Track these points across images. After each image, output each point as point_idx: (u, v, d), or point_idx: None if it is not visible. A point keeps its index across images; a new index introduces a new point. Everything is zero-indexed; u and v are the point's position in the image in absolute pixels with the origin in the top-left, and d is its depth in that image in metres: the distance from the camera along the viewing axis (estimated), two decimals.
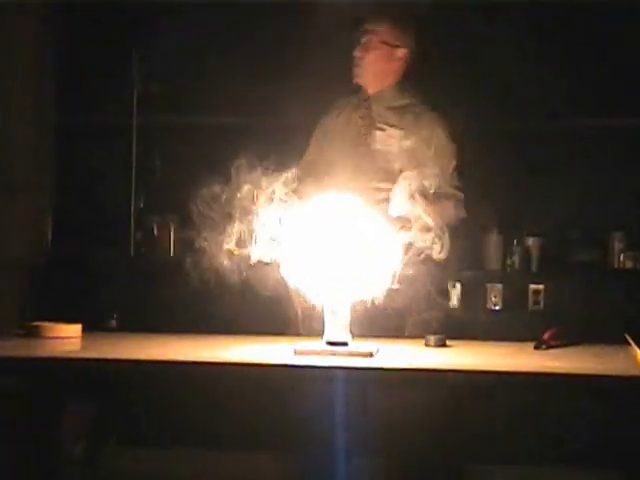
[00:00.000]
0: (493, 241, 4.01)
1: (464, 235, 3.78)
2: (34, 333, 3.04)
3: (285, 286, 2.72)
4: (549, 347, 2.95)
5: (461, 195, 3.41)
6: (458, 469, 2.94)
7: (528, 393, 2.53)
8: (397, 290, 2.67)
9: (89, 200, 4.21)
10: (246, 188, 2.69)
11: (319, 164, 3.49)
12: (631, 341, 3.00)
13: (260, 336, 3.13)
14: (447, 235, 2.72)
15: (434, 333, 2.98)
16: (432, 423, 2.74)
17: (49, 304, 3.75)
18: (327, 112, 3.59)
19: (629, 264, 4.00)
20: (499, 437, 2.75)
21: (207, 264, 2.76)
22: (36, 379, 2.65)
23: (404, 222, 2.73)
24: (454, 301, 3.81)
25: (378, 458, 2.98)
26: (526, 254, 4.03)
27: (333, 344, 2.69)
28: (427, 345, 3.00)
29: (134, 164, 4.09)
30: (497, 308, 3.79)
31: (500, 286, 3.82)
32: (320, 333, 2.73)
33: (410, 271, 2.66)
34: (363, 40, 3.47)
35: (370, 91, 3.52)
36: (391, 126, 3.45)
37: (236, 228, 2.71)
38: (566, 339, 3.04)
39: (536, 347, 2.96)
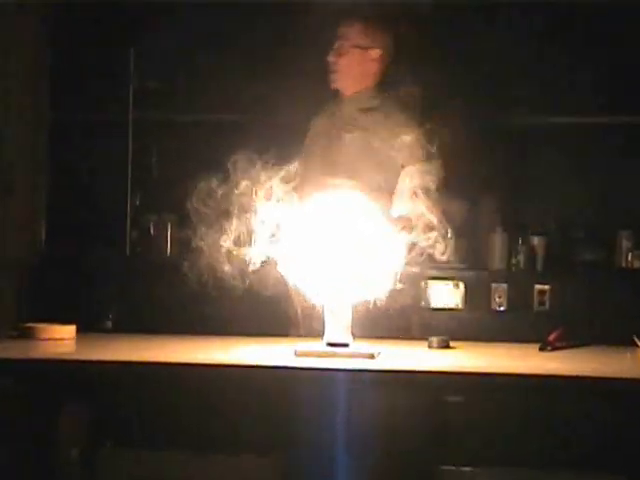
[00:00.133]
0: (497, 240, 4.02)
1: (468, 234, 3.81)
2: (27, 334, 3.05)
3: (285, 285, 2.72)
4: (555, 349, 2.96)
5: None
6: (461, 472, 2.94)
7: (533, 396, 2.53)
8: (400, 290, 2.68)
9: (84, 199, 4.21)
10: (245, 186, 2.69)
11: (311, 163, 3.51)
12: (639, 342, 3.01)
13: (260, 337, 3.14)
14: (451, 234, 2.73)
15: (437, 334, 2.99)
16: (435, 426, 2.74)
17: (43, 304, 3.75)
18: (317, 112, 3.65)
19: (637, 263, 4.00)
20: (503, 440, 2.75)
21: (205, 264, 2.77)
22: (29, 381, 2.66)
23: (406, 221, 2.73)
24: (458, 301, 3.81)
25: (379, 462, 2.98)
26: (531, 253, 4.03)
27: (334, 345, 2.69)
28: (430, 347, 3.01)
29: (130, 162, 4.09)
30: (501, 309, 3.79)
31: (505, 286, 3.83)
32: (320, 334, 2.73)
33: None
34: (336, 45, 3.54)
35: (347, 94, 3.58)
36: (360, 128, 3.49)
37: (234, 227, 2.72)
38: (572, 340, 3.05)
39: (541, 349, 2.96)
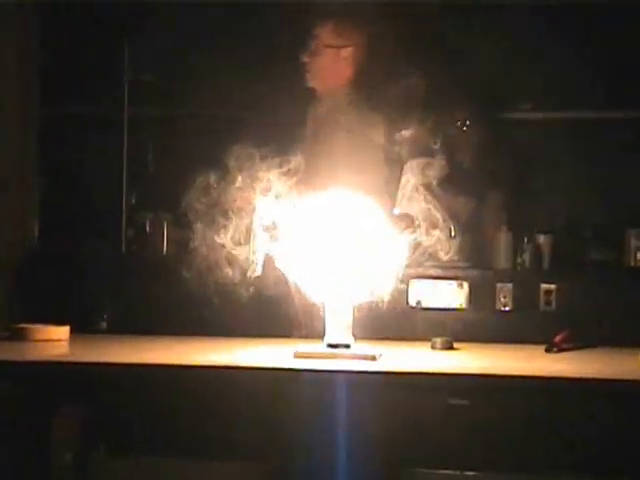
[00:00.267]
0: (502, 239, 4.01)
1: (472, 232, 3.81)
2: (20, 335, 3.05)
3: (286, 285, 2.72)
4: (561, 350, 2.96)
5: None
6: (464, 477, 2.94)
7: (539, 398, 2.53)
8: (402, 290, 2.68)
9: (79, 196, 4.21)
10: (243, 182, 2.69)
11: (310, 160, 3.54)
12: None
13: (260, 338, 3.14)
14: (455, 232, 2.73)
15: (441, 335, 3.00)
16: (438, 429, 2.75)
17: (36, 304, 3.75)
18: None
19: None
20: (508, 444, 2.75)
21: (202, 263, 2.77)
22: (23, 384, 2.66)
23: (408, 220, 2.73)
24: (462, 301, 3.81)
25: (380, 466, 2.98)
26: (537, 252, 4.03)
27: (334, 346, 2.70)
28: (433, 348, 3.01)
29: (125, 158, 4.09)
30: (507, 309, 3.79)
31: (510, 286, 3.82)
32: (322, 334, 2.73)
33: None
34: (309, 45, 3.63)
35: (323, 93, 3.66)
36: (335, 126, 3.52)
37: (233, 225, 2.72)
38: (579, 342, 3.05)
39: (547, 350, 2.97)
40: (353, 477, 2.68)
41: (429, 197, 2.75)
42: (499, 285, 3.81)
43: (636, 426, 2.55)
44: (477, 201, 3.93)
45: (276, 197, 2.69)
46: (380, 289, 2.68)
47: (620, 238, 4.07)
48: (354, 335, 2.74)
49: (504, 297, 3.80)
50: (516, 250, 4.02)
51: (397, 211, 2.85)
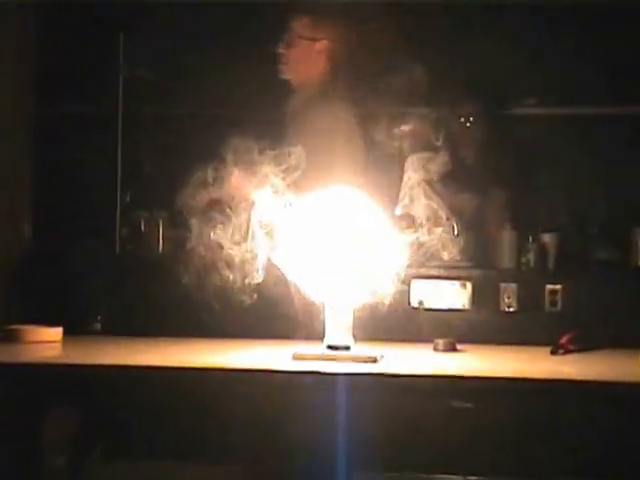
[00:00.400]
0: (506, 237, 4.01)
1: (475, 231, 3.81)
2: (12, 337, 3.05)
3: (286, 284, 2.72)
4: (567, 352, 2.96)
5: None
6: None
7: (544, 401, 2.53)
8: (403, 290, 2.68)
9: (72, 195, 4.21)
10: (241, 181, 2.69)
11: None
12: None
13: (257, 340, 3.14)
14: (457, 231, 2.73)
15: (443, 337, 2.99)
16: (440, 433, 2.75)
17: (28, 305, 3.75)
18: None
19: None
20: (512, 448, 2.76)
21: (199, 262, 2.77)
22: (15, 387, 2.66)
23: (409, 219, 2.73)
24: (465, 302, 3.81)
25: (382, 472, 2.98)
26: (542, 251, 4.03)
27: (334, 348, 2.69)
28: (435, 350, 3.01)
29: (120, 157, 4.09)
30: (511, 310, 3.79)
31: (514, 286, 3.82)
32: (321, 335, 2.73)
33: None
34: (284, 37, 3.67)
35: (297, 86, 3.70)
36: (306, 120, 3.53)
37: (231, 224, 2.72)
38: (585, 343, 3.05)
39: (553, 352, 2.96)
40: None
41: (431, 194, 2.75)
42: (503, 285, 3.81)
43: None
44: (480, 199, 3.93)
45: (274, 196, 2.69)
46: (381, 289, 2.68)
47: (627, 237, 4.07)
48: (354, 336, 2.74)
49: (508, 297, 3.79)
50: (520, 249, 4.02)
51: (398, 211, 2.84)
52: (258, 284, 2.74)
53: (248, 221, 2.69)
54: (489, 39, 4.12)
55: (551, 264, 4.03)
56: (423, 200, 2.73)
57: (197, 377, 2.54)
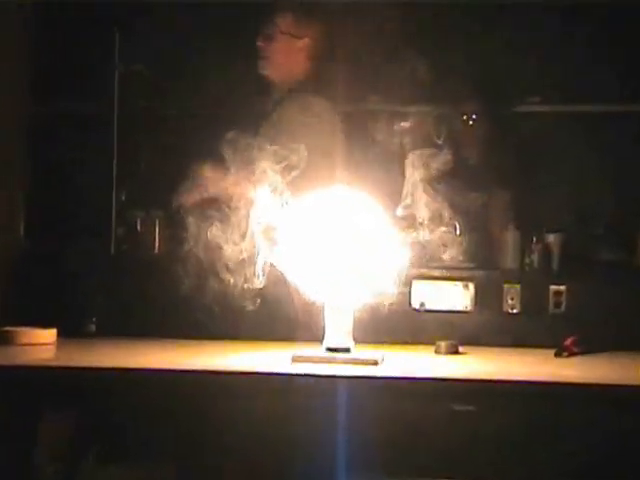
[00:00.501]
0: (510, 237, 4.01)
1: (478, 231, 3.81)
2: (5, 339, 3.05)
3: (286, 285, 2.72)
4: (571, 354, 2.96)
5: None
6: None
7: (547, 404, 2.53)
8: (404, 292, 2.68)
9: (66, 194, 4.21)
10: (239, 180, 2.69)
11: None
12: None
13: (256, 342, 3.14)
14: (460, 231, 2.73)
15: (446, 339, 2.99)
16: (441, 437, 2.74)
17: (22, 305, 3.74)
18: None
19: None
20: (514, 451, 2.75)
21: (196, 263, 2.76)
22: (6, 389, 2.65)
23: (411, 219, 2.73)
24: (467, 303, 3.81)
25: (382, 477, 2.98)
26: (546, 252, 4.03)
27: (334, 350, 2.69)
28: (437, 352, 3.01)
29: (115, 155, 4.09)
30: (514, 311, 3.78)
31: (518, 287, 3.82)
32: (321, 337, 2.73)
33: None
34: (266, 30, 3.67)
35: (276, 82, 3.70)
36: (281, 117, 3.57)
37: (230, 224, 2.72)
38: (590, 346, 3.05)
39: (557, 354, 2.97)
40: None
41: (433, 194, 2.75)
42: (506, 286, 3.81)
43: None
44: (483, 198, 3.93)
45: (273, 195, 2.69)
46: (382, 290, 2.68)
47: (634, 237, 4.07)
48: (355, 339, 2.74)
49: (511, 299, 3.79)
50: (524, 250, 4.02)
51: (399, 211, 2.84)
52: (259, 287, 2.74)
53: (247, 221, 2.69)
54: (492, 36, 4.12)
55: (555, 265, 4.02)
56: (425, 199, 2.73)
57: (194, 380, 2.54)
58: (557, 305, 3.78)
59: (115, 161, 4.08)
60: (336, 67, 3.73)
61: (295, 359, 2.66)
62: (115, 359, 2.82)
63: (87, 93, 4.16)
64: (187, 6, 4.15)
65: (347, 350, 2.69)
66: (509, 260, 3.99)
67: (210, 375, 2.56)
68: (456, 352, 3.01)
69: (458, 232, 2.77)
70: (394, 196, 3.03)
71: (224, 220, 2.73)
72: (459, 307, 3.74)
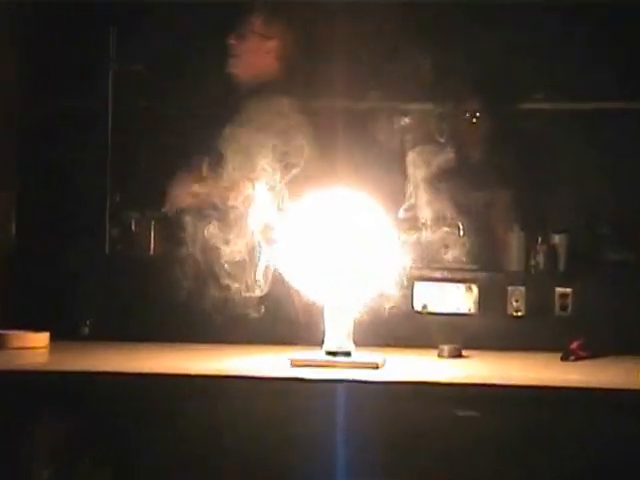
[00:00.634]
0: (514, 238, 4.01)
1: (482, 231, 3.81)
2: None
3: (285, 287, 2.73)
4: (578, 358, 2.96)
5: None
6: None
7: (553, 409, 2.54)
8: (406, 294, 2.69)
9: (59, 194, 4.21)
10: (236, 179, 2.70)
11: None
12: None
13: (255, 345, 3.14)
14: (463, 232, 2.73)
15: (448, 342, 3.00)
16: (444, 442, 2.75)
17: (13, 308, 3.75)
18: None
19: None
20: (519, 457, 2.76)
21: (192, 264, 2.77)
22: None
23: (412, 220, 2.74)
24: (471, 306, 3.82)
25: None
26: (552, 253, 4.03)
27: (334, 354, 2.70)
28: (440, 356, 3.02)
29: (110, 155, 4.09)
30: (519, 314, 3.79)
31: (522, 289, 3.82)
32: (320, 341, 2.73)
33: None
34: (238, 29, 3.73)
35: (244, 82, 3.74)
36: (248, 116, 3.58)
37: (228, 225, 2.72)
38: (597, 349, 3.05)
39: (563, 358, 2.97)
40: None
41: (435, 193, 2.75)
42: (511, 288, 3.81)
43: None
44: (487, 198, 3.94)
45: (272, 196, 2.70)
46: (383, 292, 2.68)
47: None
48: (355, 342, 2.74)
49: (516, 301, 3.80)
50: (529, 251, 4.02)
51: (401, 213, 2.85)
52: (257, 288, 2.74)
53: (245, 222, 2.70)
54: (493, 35, 4.13)
55: (561, 266, 4.03)
56: (427, 199, 2.73)
57: (192, 384, 2.54)
58: (563, 308, 3.79)
59: (109, 161, 4.09)
60: (335, 66, 3.73)
61: (294, 363, 2.66)
62: (109, 363, 2.82)
63: (81, 93, 4.17)
64: (187, 6, 4.15)
65: (347, 354, 2.70)
66: (513, 261, 3.99)
67: (206, 379, 2.56)
68: (459, 356, 3.01)
69: (461, 232, 2.78)
70: (395, 195, 3.04)
71: (222, 220, 2.73)
72: (462, 309, 3.75)
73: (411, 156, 2.98)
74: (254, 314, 3.16)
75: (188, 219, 2.83)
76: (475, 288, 3.77)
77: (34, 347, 3.06)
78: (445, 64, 3.79)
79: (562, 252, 4.03)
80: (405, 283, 2.71)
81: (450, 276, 3.72)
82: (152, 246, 4.11)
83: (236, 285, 2.75)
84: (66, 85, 4.18)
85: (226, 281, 2.75)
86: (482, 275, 3.80)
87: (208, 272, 2.77)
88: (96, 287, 3.89)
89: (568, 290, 3.79)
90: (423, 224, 2.72)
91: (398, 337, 3.31)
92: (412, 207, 2.77)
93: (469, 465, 2.75)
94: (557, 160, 4.20)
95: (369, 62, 3.94)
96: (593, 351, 3.03)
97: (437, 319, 3.68)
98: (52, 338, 3.14)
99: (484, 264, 3.86)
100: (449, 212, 2.74)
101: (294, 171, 2.75)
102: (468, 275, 3.75)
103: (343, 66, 3.79)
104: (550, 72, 4.15)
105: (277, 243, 2.70)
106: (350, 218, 2.69)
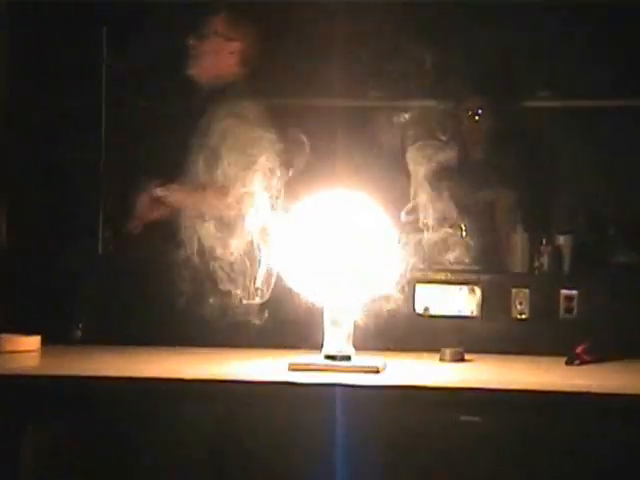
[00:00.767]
0: (518, 239, 4.02)
1: (485, 232, 3.82)
2: None
3: (285, 289, 2.73)
4: (583, 362, 2.97)
5: None
6: None
7: (558, 414, 2.54)
8: (408, 296, 2.69)
9: (52, 194, 4.22)
10: (234, 178, 2.70)
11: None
12: None
13: (253, 349, 3.14)
14: (466, 233, 2.74)
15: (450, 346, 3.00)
16: (446, 447, 2.75)
17: (3, 311, 3.75)
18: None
19: None
20: (522, 462, 2.77)
21: (188, 265, 2.77)
22: None
23: (414, 221, 2.74)
24: (474, 308, 3.82)
25: None
26: (556, 254, 4.04)
27: (333, 358, 2.70)
28: (442, 360, 3.02)
29: (103, 154, 4.10)
30: (523, 317, 3.80)
31: (527, 291, 3.83)
32: (319, 344, 2.74)
33: None
34: (199, 29, 3.71)
35: (203, 84, 3.73)
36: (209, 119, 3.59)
37: (226, 225, 2.73)
38: (602, 353, 3.05)
39: (568, 362, 2.97)
40: None
41: (437, 192, 2.76)
42: (515, 291, 3.82)
43: None
44: (490, 197, 3.95)
45: (270, 196, 2.70)
46: (384, 295, 2.68)
47: None
48: (355, 345, 2.74)
49: (520, 304, 3.80)
50: (533, 252, 4.03)
51: (403, 216, 2.85)
52: (255, 289, 2.74)
53: (243, 225, 2.70)
54: (493, 35, 4.15)
55: (566, 268, 4.03)
56: (429, 199, 2.74)
57: (187, 389, 2.54)
58: (568, 310, 3.79)
59: (103, 161, 4.09)
60: (335, 65, 3.74)
61: (292, 367, 2.66)
62: (102, 367, 2.82)
63: (75, 92, 4.17)
64: (186, 6, 4.16)
65: (347, 358, 2.70)
66: (518, 263, 4.00)
67: (204, 384, 2.57)
68: (462, 359, 3.01)
69: (464, 233, 2.78)
70: (396, 196, 3.04)
71: (219, 221, 2.73)
72: (465, 312, 3.75)
73: (411, 152, 2.99)
74: (256, 320, 3.18)
75: (185, 220, 2.83)
76: (478, 290, 3.77)
77: (25, 350, 3.06)
78: (445, 64, 3.81)
79: (567, 253, 4.03)
80: (406, 285, 2.71)
81: (452, 278, 3.73)
82: (145, 249, 4.12)
83: (236, 291, 2.75)
84: (60, 87, 4.19)
85: (225, 287, 2.75)
86: (485, 277, 3.80)
87: (205, 276, 2.77)
88: (89, 289, 3.89)
89: (573, 292, 3.79)
90: (425, 225, 2.73)
91: (399, 340, 3.31)
92: (414, 208, 2.78)
93: (471, 468, 2.76)
94: (561, 160, 4.21)
95: (369, 62, 3.96)
96: (599, 355, 3.03)
97: (439, 322, 3.69)
98: (44, 342, 3.14)
99: (487, 266, 3.86)
100: (451, 212, 2.74)
101: (294, 171, 2.75)
102: (471, 277, 3.76)
103: (343, 66, 3.80)
104: (550, 71, 4.17)
105: (275, 245, 2.70)
106: (350, 219, 2.69)
